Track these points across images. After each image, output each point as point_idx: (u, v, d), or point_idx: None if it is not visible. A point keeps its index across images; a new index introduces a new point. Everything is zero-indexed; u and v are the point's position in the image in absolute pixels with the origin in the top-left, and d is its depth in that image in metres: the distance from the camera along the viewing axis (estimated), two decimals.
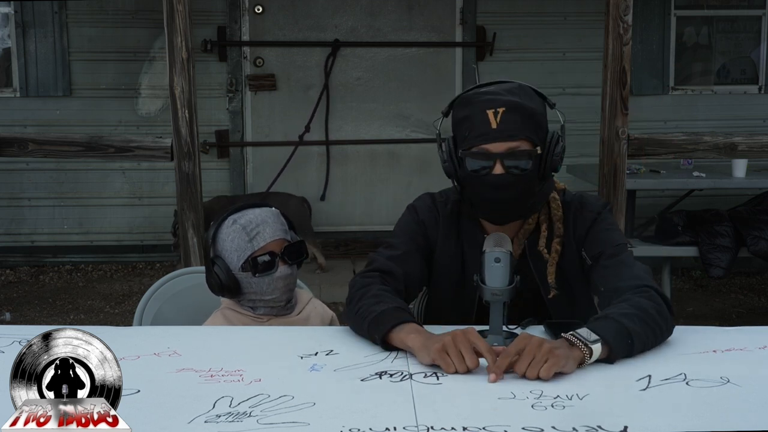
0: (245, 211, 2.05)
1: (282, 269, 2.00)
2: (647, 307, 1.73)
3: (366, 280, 1.92)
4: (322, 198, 6.09)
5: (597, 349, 1.62)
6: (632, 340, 1.66)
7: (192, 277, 2.33)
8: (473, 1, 6.01)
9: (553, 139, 1.95)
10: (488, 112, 1.87)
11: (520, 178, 1.89)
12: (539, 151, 1.91)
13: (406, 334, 1.70)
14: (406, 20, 6.09)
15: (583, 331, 1.64)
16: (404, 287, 1.97)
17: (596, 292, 1.93)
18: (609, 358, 1.64)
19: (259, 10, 5.99)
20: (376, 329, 1.75)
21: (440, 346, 1.60)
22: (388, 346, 1.74)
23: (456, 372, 1.58)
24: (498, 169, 1.87)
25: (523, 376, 1.55)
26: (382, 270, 1.95)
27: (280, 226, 2.04)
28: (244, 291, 2.03)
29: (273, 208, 2.07)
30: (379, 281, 1.91)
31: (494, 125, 1.86)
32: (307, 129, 6.00)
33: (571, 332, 1.64)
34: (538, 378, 1.54)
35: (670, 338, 1.79)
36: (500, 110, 1.86)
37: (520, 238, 2.01)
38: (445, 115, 2.02)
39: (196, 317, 2.15)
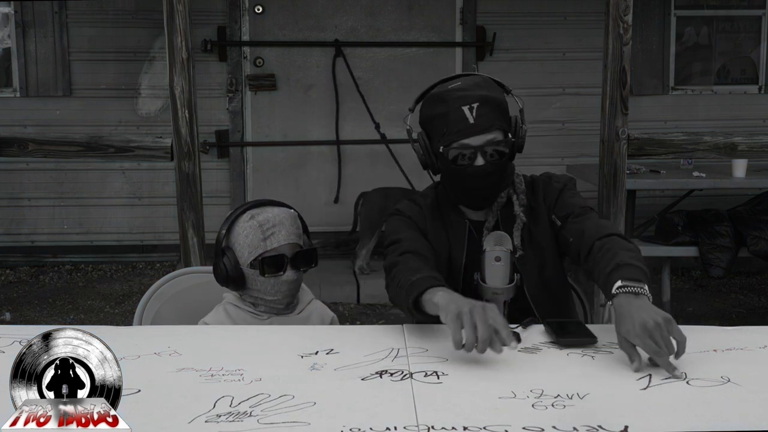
0: (264, 207, 2.04)
1: (289, 274, 2.00)
2: (632, 247, 1.86)
3: (403, 259, 1.98)
4: (336, 200, 6.10)
5: (647, 290, 1.71)
6: (643, 269, 1.77)
7: (192, 277, 2.32)
8: (473, 1, 6.01)
9: (517, 123, 2.09)
10: (464, 108, 1.98)
11: (498, 165, 2.02)
12: (511, 138, 2.05)
13: (434, 294, 1.76)
14: (406, 20, 6.09)
15: (630, 280, 1.71)
16: (434, 265, 2.03)
17: (566, 245, 2.04)
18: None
19: (259, 10, 5.99)
20: (410, 292, 1.81)
21: (457, 312, 1.64)
22: (420, 310, 1.80)
23: (462, 346, 1.61)
24: (479, 161, 2.01)
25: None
26: (413, 251, 2.01)
27: (295, 230, 2.04)
28: (248, 287, 2.03)
29: (292, 210, 2.07)
30: (416, 258, 1.98)
31: (471, 120, 1.98)
32: (377, 127, 5.99)
33: (620, 285, 1.71)
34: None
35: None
36: (474, 105, 1.98)
37: (494, 211, 2.12)
38: (411, 110, 2.13)
39: (196, 317, 2.15)
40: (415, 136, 2.13)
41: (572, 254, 2.01)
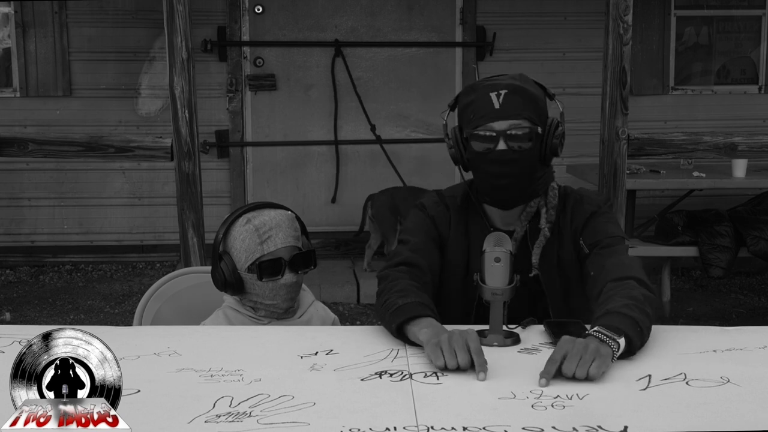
0: (261, 210, 2.02)
1: (288, 277, 1.99)
2: (637, 295, 1.78)
3: (396, 274, 1.96)
4: (333, 200, 6.10)
5: (622, 342, 1.64)
6: (641, 327, 1.69)
7: (192, 277, 2.32)
8: (473, 1, 6.01)
9: (553, 123, 2.04)
10: (491, 94, 1.97)
11: (522, 154, 1.98)
12: (540, 131, 2.00)
13: (419, 328, 1.74)
14: (406, 20, 6.09)
15: (603, 328, 1.65)
16: (430, 279, 2.02)
17: (586, 277, 1.99)
18: (629, 350, 1.66)
19: (259, 10, 5.99)
20: (394, 319, 1.79)
21: (436, 341, 1.64)
22: (403, 336, 1.78)
23: (444, 367, 1.59)
24: (501, 146, 1.97)
25: (573, 378, 1.54)
26: (409, 263, 2.00)
27: (293, 232, 2.01)
28: (246, 291, 2.02)
29: (289, 212, 2.04)
30: (407, 276, 1.95)
31: (497, 105, 1.96)
32: (373, 128, 5.97)
33: (594, 329, 1.65)
34: (586, 378, 1.54)
35: (670, 338, 1.80)
36: (502, 92, 1.97)
37: (522, 221, 2.07)
38: (452, 108, 2.10)
39: (196, 317, 2.15)
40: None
41: (587, 290, 1.95)
